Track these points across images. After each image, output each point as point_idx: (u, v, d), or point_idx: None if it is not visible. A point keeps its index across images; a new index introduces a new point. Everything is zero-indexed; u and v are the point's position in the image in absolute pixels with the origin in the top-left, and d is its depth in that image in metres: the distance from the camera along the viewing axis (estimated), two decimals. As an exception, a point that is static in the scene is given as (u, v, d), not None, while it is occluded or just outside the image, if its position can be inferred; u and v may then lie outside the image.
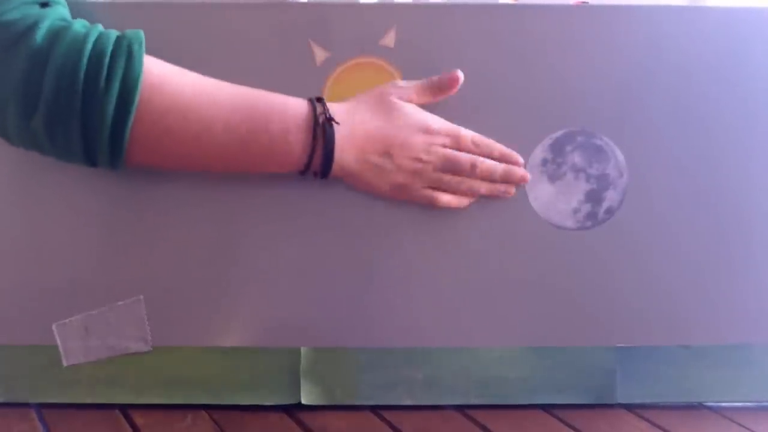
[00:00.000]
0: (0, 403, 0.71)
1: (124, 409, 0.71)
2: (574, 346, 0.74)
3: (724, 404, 0.75)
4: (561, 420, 0.72)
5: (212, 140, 0.64)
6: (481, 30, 0.71)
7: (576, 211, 0.73)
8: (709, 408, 0.75)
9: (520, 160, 0.71)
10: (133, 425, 0.69)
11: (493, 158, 0.70)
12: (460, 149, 0.69)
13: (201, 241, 0.71)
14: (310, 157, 0.66)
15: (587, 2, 0.82)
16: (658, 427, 0.71)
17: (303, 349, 0.72)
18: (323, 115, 0.66)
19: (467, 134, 0.69)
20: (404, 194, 0.69)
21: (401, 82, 0.69)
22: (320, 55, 0.70)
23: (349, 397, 0.73)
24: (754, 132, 0.73)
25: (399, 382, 0.73)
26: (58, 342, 0.71)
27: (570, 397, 0.74)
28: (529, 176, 0.71)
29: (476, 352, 0.73)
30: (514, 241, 0.72)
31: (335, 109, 0.67)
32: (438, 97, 0.69)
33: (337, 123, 0.66)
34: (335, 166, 0.67)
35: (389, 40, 0.70)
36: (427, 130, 0.68)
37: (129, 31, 0.64)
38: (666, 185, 0.73)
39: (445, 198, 0.70)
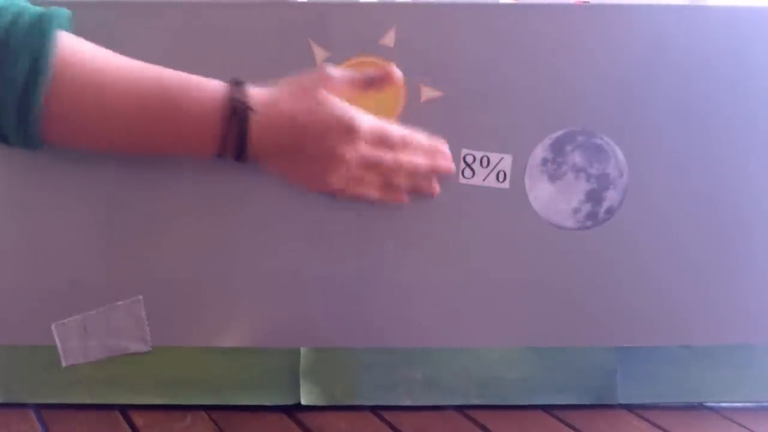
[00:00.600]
0: (-1, 403, 0.71)
1: (124, 409, 0.71)
2: (574, 346, 0.74)
3: (724, 404, 0.75)
4: (561, 420, 0.72)
5: (127, 119, 0.64)
6: (481, 30, 0.71)
7: (576, 210, 0.73)
8: (710, 408, 0.75)
9: (447, 153, 0.70)
10: (132, 425, 0.69)
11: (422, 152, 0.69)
12: (386, 146, 0.68)
13: (201, 241, 0.71)
14: (224, 142, 0.65)
15: (588, 1, 0.82)
16: (659, 427, 0.71)
17: (303, 350, 0.72)
18: (240, 102, 0.64)
19: (394, 132, 0.68)
20: (326, 188, 0.69)
21: (333, 71, 0.67)
22: (320, 54, 0.70)
23: (349, 398, 0.73)
24: (755, 131, 0.73)
25: (399, 382, 0.73)
26: (57, 342, 0.71)
27: (570, 397, 0.74)
28: (453, 169, 0.70)
29: (476, 352, 0.73)
30: (514, 241, 0.72)
31: (256, 94, 0.65)
32: (369, 90, 0.68)
33: (252, 111, 0.64)
34: (250, 153, 0.66)
35: (389, 39, 0.70)
36: (350, 128, 0.66)
37: (53, 8, 0.63)
38: (666, 185, 0.73)
39: (372, 194, 0.69)
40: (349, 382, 0.73)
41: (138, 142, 0.66)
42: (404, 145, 0.69)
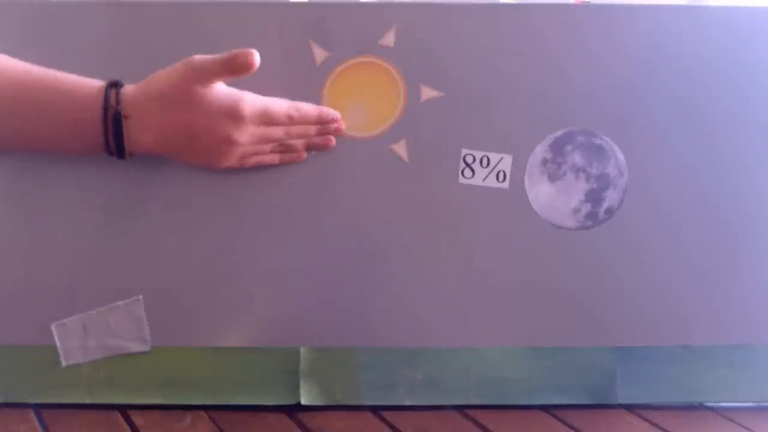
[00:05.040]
0: (-1, 403, 0.71)
1: (124, 409, 0.71)
2: (574, 346, 0.74)
3: (724, 405, 0.75)
4: (561, 420, 0.72)
5: (6, 116, 0.64)
6: (481, 30, 0.71)
7: (576, 210, 0.73)
8: (710, 408, 0.75)
9: (336, 115, 0.70)
10: (132, 426, 0.69)
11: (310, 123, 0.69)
12: (274, 123, 0.68)
13: (200, 241, 0.71)
14: (106, 144, 0.65)
15: (588, 1, 0.82)
16: (659, 427, 0.71)
17: (303, 349, 0.72)
18: (112, 108, 0.64)
19: (279, 109, 0.68)
20: (223, 168, 0.69)
21: (200, 62, 0.65)
22: (320, 55, 0.70)
23: (349, 398, 0.73)
24: (755, 131, 0.73)
25: (399, 382, 0.73)
26: (57, 342, 0.71)
27: (570, 397, 0.74)
28: (343, 127, 0.70)
29: (476, 352, 0.73)
30: (514, 241, 0.72)
31: (130, 98, 0.65)
32: (238, 75, 0.65)
33: (126, 117, 0.64)
34: (137, 150, 0.66)
35: (389, 39, 0.70)
36: (234, 116, 0.66)
37: None
38: (666, 185, 0.73)
39: (269, 160, 0.69)
40: (349, 382, 0.73)
41: (23, 141, 0.66)
42: (290, 118, 0.68)
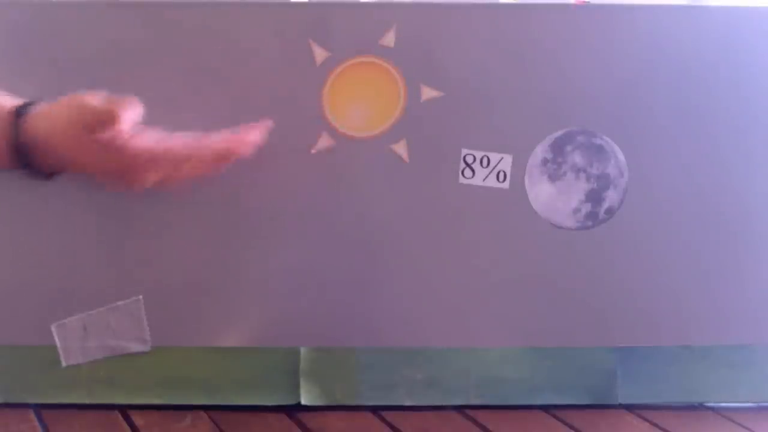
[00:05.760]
0: (-1, 403, 0.71)
1: (124, 409, 0.71)
2: (574, 346, 0.74)
3: (724, 405, 0.75)
4: (561, 420, 0.72)
5: None
6: (481, 30, 0.70)
7: (576, 210, 0.73)
8: (710, 408, 0.75)
9: (241, 138, 0.67)
10: (132, 426, 0.69)
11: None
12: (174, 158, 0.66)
13: (200, 241, 0.71)
14: (20, 165, 0.65)
15: (588, 1, 0.82)
16: (659, 427, 0.71)
17: (303, 349, 0.72)
18: (16, 139, 0.64)
19: (178, 149, 0.65)
20: (140, 176, 0.67)
21: (86, 101, 0.64)
22: (320, 55, 0.70)
23: (349, 398, 0.73)
24: (755, 131, 0.73)
25: (399, 382, 0.73)
26: (57, 342, 0.71)
27: (570, 397, 0.74)
28: (248, 151, 0.67)
29: (476, 352, 0.73)
30: (514, 241, 0.72)
31: (32, 128, 0.64)
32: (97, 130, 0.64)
33: (29, 147, 0.64)
34: (55, 171, 0.66)
35: (389, 39, 0.70)
36: (131, 157, 0.64)
37: None
38: (667, 185, 0.73)
39: (175, 180, 0.67)
40: (349, 382, 0.73)
41: None
42: (188, 157, 0.66)
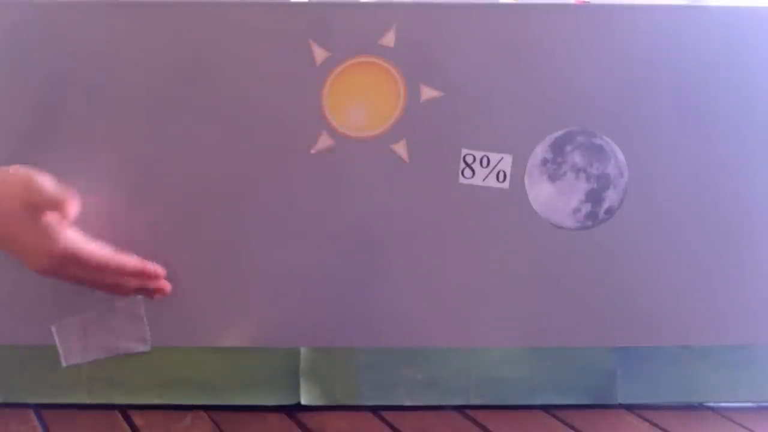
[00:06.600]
0: (-1, 403, 0.71)
1: (124, 409, 0.71)
2: (574, 346, 0.74)
3: (724, 405, 0.75)
4: (561, 420, 0.72)
5: None
6: (481, 30, 0.70)
7: (576, 210, 0.73)
8: (710, 408, 0.75)
9: (159, 272, 0.69)
10: (132, 426, 0.69)
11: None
12: (82, 268, 0.66)
13: (201, 241, 0.71)
14: None
15: (588, 1, 0.82)
16: (659, 427, 0.71)
17: (303, 349, 0.72)
18: None
19: (91, 255, 0.66)
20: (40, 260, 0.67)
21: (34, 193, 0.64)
22: (320, 55, 0.70)
23: (349, 398, 0.73)
24: (755, 131, 0.73)
25: (399, 382, 0.73)
26: (57, 342, 0.71)
27: (570, 397, 0.74)
28: (168, 288, 0.69)
29: (476, 352, 0.73)
30: (514, 241, 0.72)
31: None
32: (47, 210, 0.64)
33: None
34: None
35: (389, 39, 0.70)
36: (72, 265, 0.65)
37: None
38: (666, 185, 0.73)
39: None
40: (349, 382, 0.73)
41: None
42: (102, 267, 0.66)
